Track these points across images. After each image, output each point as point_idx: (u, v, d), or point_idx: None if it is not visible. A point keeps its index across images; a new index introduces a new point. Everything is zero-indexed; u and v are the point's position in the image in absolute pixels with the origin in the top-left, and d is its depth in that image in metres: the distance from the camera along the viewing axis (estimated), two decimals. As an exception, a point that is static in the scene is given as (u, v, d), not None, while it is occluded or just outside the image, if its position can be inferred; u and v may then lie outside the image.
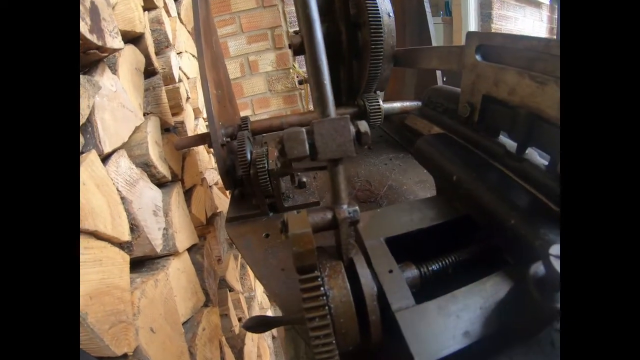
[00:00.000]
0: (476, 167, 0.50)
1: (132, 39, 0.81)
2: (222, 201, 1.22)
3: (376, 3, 0.76)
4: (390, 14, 0.78)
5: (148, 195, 0.72)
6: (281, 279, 0.58)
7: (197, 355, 0.81)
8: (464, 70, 0.59)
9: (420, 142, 0.58)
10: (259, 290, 1.41)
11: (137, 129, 0.72)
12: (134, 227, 0.65)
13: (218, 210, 1.13)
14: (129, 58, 0.75)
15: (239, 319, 1.08)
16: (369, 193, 0.77)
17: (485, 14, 2.76)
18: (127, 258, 0.61)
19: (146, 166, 0.74)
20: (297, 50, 0.80)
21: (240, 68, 2.02)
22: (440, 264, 0.41)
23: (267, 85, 2.09)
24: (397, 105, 0.86)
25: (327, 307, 0.30)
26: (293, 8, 1.89)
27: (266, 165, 0.64)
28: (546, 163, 0.48)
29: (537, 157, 0.51)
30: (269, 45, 2.01)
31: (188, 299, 0.84)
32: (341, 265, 0.34)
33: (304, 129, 0.32)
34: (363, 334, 0.34)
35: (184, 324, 0.80)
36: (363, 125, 0.34)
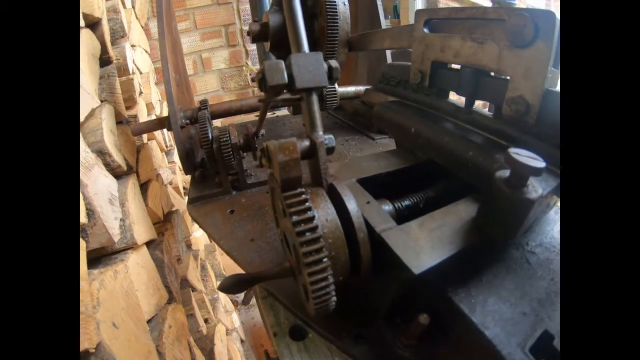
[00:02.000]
0: (432, 120, 0.54)
1: (90, 24, 0.78)
2: (178, 201, 1.17)
3: (332, -8, 0.80)
4: (345, 3, 0.83)
5: (103, 183, 0.68)
6: (252, 249, 0.58)
7: (166, 355, 0.76)
8: (414, 43, 0.64)
9: (378, 107, 0.62)
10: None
11: (92, 115, 0.69)
12: (89, 213, 0.62)
13: (174, 209, 1.09)
14: (86, 42, 0.73)
15: (205, 320, 1.04)
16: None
17: (430, 18, 2.97)
18: (84, 244, 0.58)
19: (101, 154, 0.70)
20: (255, 37, 0.82)
21: (193, 65, 1.98)
22: (412, 199, 0.44)
23: (220, 83, 2.06)
24: (351, 89, 0.90)
25: (315, 222, 0.31)
26: (247, 6, 1.91)
27: (229, 139, 0.64)
28: (492, 114, 0.53)
29: (484, 111, 0.57)
30: (223, 42, 2.00)
31: (150, 295, 0.79)
32: (322, 190, 0.35)
33: (282, 61, 0.34)
34: (351, 262, 0.35)
35: (148, 322, 0.76)
36: (334, 62, 0.36)
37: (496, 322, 0.34)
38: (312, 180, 0.37)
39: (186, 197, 0.81)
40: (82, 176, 0.61)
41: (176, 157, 1.37)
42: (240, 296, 1.67)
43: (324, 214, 0.33)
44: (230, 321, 1.39)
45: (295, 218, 0.30)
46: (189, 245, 1.20)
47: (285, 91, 0.36)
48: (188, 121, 0.74)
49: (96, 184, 0.66)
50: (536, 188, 0.33)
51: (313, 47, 0.89)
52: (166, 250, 0.90)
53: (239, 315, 1.56)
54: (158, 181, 1.00)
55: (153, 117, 1.21)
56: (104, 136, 0.71)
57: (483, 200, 0.39)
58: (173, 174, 1.26)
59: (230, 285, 0.44)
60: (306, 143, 0.34)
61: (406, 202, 0.43)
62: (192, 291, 1.00)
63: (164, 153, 1.25)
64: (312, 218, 0.30)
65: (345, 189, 0.35)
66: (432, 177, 0.49)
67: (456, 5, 3.15)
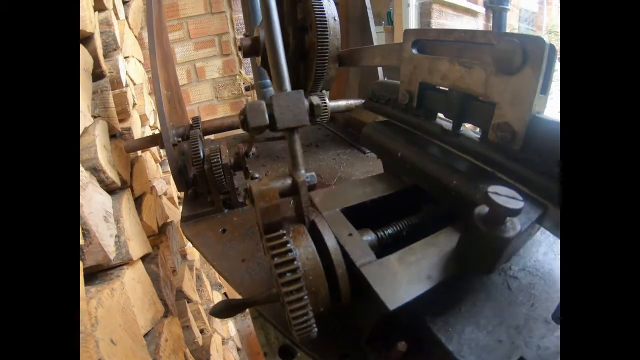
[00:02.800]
0: (418, 144, 0.55)
1: (82, 39, 0.78)
2: (172, 211, 1.18)
3: (323, 7, 0.81)
4: (336, 18, 0.84)
5: (98, 200, 0.69)
6: (243, 269, 0.59)
7: (161, 367, 0.78)
8: (402, 63, 0.65)
9: (367, 128, 0.62)
10: (217, 301, 1.37)
11: (85, 132, 0.70)
12: (85, 232, 0.63)
13: (169, 220, 1.10)
14: (79, 58, 0.73)
15: (201, 331, 1.05)
16: (320, 185, 0.80)
17: (424, 23, 2.94)
18: (81, 264, 0.59)
19: (95, 171, 0.71)
20: (247, 52, 0.82)
21: (187, 75, 1.99)
22: (394, 228, 0.45)
23: (214, 92, 2.07)
24: (342, 103, 0.90)
25: (295, 263, 0.32)
26: (241, 15, 1.91)
27: (220, 160, 0.65)
28: (479, 136, 0.54)
29: (471, 133, 0.57)
30: (216, 51, 2.00)
31: (146, 309, 0.80)
32: (304, 227, 0.36)
33: (264, 102, 0.35)
34: (332, 293, 0.36)
35: (145, 336, 0.77)
36: (315, 99, 0.37)
37: (472, 350, 0.35)
38: (295, 214, 0.38)
39: (180, 207, 0.82)
40: (77, 197, 0.62)
41: (170, 167, 1.38)
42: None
43: (304, 252, 0.34)
44: (226, 330, 1.40)
45: (277, 260, 0.31)
46: (184, 256, 1.21)
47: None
48: (180, 139, 0.75)
49: (91, 202, 0.67)
50: (514, 225, 0.34)
51: (303, 60, 0.89)
52: (161, 263, 0.91)
53: (235, 323, 1.58)
54: (152, 194, 1.00)
55: (147, 128, 1.22)
56: (97, 153, 0.71)
57: (464, 229, 0.40)
58: (167, 185, 1.27)
59: (221, 310, 0.46)
60: (288, 181, 0.35)
61: (389, 231, 0.44)
62: (188, 302, 1.01)
63: (158, 163, 1.25)
64: (293, 260, 0.31)
65: (325, 226, 0.36)
66: (417, 202, 0.50)
67: (449, 11, 3.14)
